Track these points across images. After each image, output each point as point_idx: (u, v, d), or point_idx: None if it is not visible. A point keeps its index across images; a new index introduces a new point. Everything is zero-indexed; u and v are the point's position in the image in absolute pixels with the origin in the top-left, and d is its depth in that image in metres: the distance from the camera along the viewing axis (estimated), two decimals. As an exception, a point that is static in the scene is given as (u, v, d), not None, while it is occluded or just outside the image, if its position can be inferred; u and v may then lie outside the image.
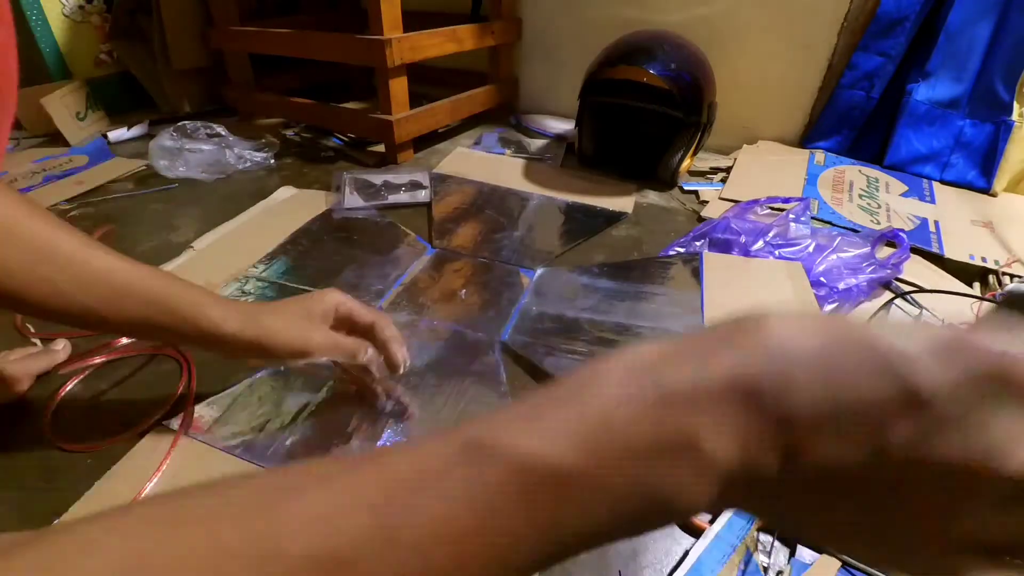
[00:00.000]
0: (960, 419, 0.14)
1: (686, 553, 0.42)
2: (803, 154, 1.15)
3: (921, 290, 0.75)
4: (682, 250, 0.83)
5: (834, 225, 0.90)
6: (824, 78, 1.14)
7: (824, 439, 0.15)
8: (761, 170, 1.10)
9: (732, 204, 0.96)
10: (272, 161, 1.14)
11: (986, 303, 0.70)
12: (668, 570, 0.42)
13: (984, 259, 0.81)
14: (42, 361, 0.57)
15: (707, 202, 1.00)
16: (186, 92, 1.35)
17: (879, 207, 0.96)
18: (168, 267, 0.75)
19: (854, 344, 0.16)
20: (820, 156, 1.13)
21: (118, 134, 1.25)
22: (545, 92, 1.47)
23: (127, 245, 0.83)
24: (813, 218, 0.91)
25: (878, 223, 0.91)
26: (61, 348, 0.59)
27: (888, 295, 0.73)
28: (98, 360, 0.59)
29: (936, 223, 0.91)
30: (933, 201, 0.99)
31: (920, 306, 0.62)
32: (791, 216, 0.85)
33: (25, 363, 0.56)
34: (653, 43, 1.01)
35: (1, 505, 0.45)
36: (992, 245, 0.85)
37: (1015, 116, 1.01)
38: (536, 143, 1.28)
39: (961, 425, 0.14)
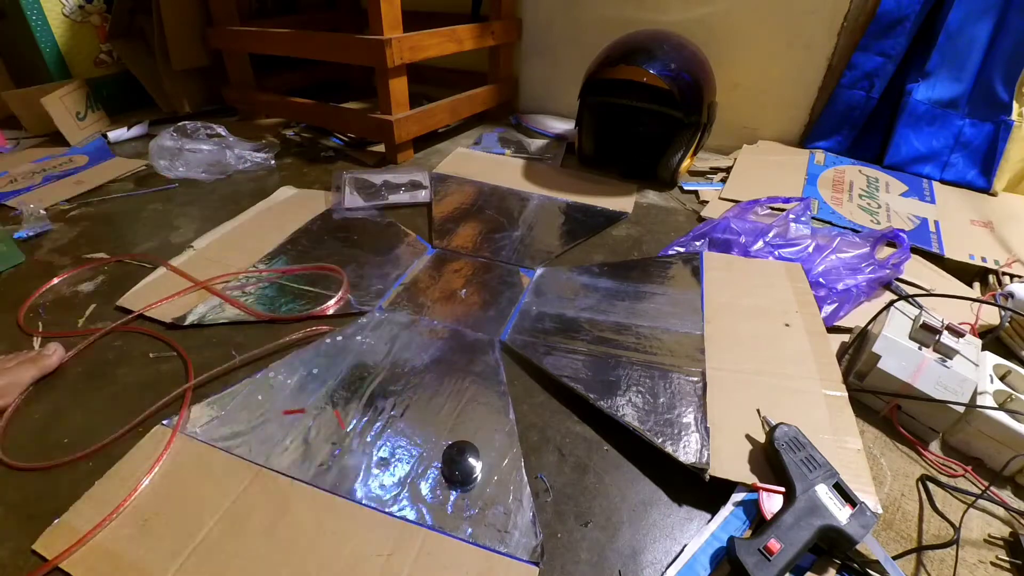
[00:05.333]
0: None
1: (683, 549, 0.42)
2: (803, 154, 1.15)
3: (922, 294, 0.75)
4: (682, 250, 0.83)
5: (834, 225, 0.90)
6: (824, 78, 1.14)
7: None
8: (761, 170, 1.10)
9: (732, 204, 0.96)
10: (272, 161, 1.14)
11: (986, 304, 0.70)
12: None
13: (984, 259, 0.81)
14: (32, 370, 0.56)
15: (707, 202, 1.00)
16: (186, 92, 1.35)
17: (879, 207, 0.96)
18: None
19: None
20: (820, 156, 1.13)
21: (118, 134, 1.25)
22: (545, 92, 1.47)
23: (127, 245, 0.83)
24: (813, 218, 0.91)
25: (878, 223, 0.91)
26: (53, 352, 0.58)
27: (889, 295, 0.73)
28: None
29: (936, 223, 0.91)
30: (933, 201, 0.99)
31: (920, 307, 0.62)
32: (791, 216, 0.85)
33: (15, 374, 0.54)
34: (653, 43, 1.01)
35: (2, 505, 0.45)
36: (992, 245, 0.85)
37: (1014, 116, 1.01)
38: (536, 143, 1.28)
39: None
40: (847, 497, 0.42)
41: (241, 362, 0.59)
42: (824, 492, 0.42)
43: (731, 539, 0.39)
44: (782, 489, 0.43)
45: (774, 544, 0.38)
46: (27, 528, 0.42)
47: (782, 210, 0.90)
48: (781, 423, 0.47)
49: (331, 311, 0.68)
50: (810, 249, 0.79)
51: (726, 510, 0.44)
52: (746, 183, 1.05)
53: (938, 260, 0.82)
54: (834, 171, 1.07)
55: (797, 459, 0.44)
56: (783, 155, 1.17)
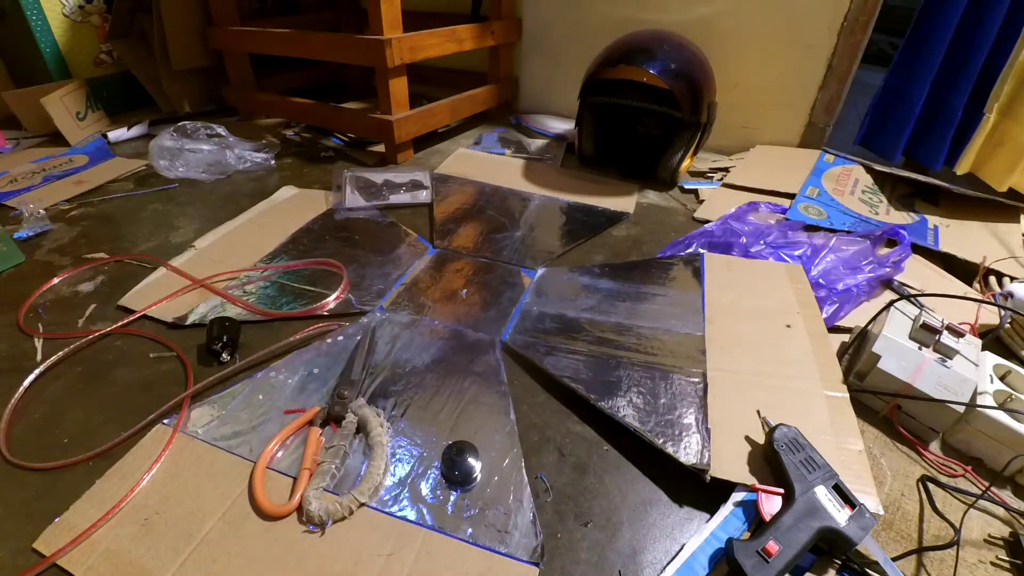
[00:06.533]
0: None
1: (682, 548, 0.42)
2: (814, 153, 1.15)
3: (922, 294, 0.75)
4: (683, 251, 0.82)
5: (831, 208, 0.92)
6: (824, 78, 1.14)
7: None
8: (768, 162, 1.13)
9: (734, 191, 0.98)
10: (272, 161, 1.14)
11: (986, 304, 0.70)
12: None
13: (984, 258, 0.81)
14: None
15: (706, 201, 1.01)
16: (186, 92, 1.35)
17: (880, 202, 0.97)
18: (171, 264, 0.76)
19: None
20: (830, 156, 1.13)
21: (118, 134, 1.25)
22: (545, 92, 1.47)
23: (127, 245, 0.83)
24: (808, 198, 0.94)
25: (876, 214, 0.92)
26: None
27: (889, 295, 0.73)
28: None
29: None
30: (935, 203, 0.99)
31: (921, 306, 0.62)
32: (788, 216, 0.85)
33: None
34: (653, 43, 1.01)
35: (2, 505, 0.45)
36: (992, 245, 0.85)
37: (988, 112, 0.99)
38: (536, 143, 1.28)
39: None
40: (846, 499, 0.42)
41: (245, 364, 0.59)
42: (823, 494, 0.42)
43: (729, 540, 0.39)
44: (781, 491, 0.43)
45: (772, 546, 0.38)
46: (28, 527, 0.42)
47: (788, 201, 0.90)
48: (780, 424, 0.47)
49: (331, 306, 0.69)
50: (809, 252, 0.79)
51: (725, 510, 0.44)
52: (749, 173, 1.07)
53: (938, 259, 0.83)
54: (841, 169, 1.08)
55: (796, 460, 0.44)
56: (793, 153, 1.18)
